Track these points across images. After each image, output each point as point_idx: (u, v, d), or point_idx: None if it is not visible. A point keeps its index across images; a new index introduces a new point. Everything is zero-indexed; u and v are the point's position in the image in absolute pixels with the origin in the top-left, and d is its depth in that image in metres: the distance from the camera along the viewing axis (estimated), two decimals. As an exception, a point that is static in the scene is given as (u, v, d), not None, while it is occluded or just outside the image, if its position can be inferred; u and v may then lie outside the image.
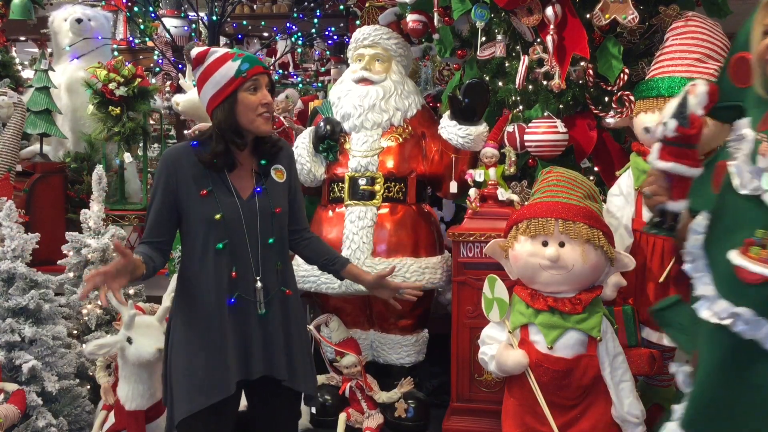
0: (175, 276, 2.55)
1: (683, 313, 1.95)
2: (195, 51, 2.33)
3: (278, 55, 6.26)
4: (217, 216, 2.23)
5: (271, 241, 2.31)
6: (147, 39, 5.35)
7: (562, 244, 2.51)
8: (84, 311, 3.28)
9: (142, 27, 5.20)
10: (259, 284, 2.27)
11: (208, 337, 2.24)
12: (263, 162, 2.35)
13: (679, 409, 1.79)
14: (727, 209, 1.70)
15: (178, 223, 2.30)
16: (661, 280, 2.83)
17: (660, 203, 1.68)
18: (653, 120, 2.84)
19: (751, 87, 1.75)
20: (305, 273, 3.35)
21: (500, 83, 3.38)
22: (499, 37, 3.25)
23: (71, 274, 3.35)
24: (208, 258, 2.25)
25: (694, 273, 1.75)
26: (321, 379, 3.43)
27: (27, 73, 5.27)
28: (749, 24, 1.78)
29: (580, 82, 3.15)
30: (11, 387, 2.72)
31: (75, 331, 3.26)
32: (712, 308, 1.66)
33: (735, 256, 1.58)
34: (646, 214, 2.88)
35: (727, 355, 1.64)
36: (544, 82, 3.14)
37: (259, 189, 2.32)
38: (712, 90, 1.67)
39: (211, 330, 2.24)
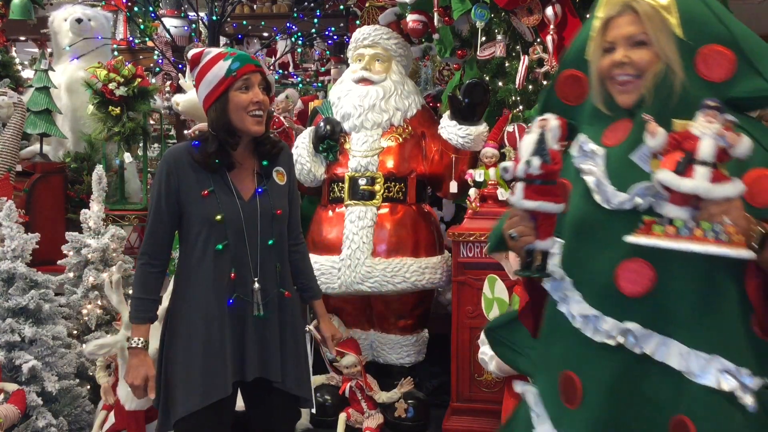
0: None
1: (518, 333, 1.95)
2: (191, 52, 2.34)
3: (278, 55, 6.26)
4: (218, 217, 2.22)
5: (271, 242, 2.30)
6: (147, 39, 5.35)
7: (562, 244, 2.50)
8: (84, 311, 3.28)
9: (142, 27, 5.21)
10: (257, 285, 2.26)
11: (206, 338, 2.23)
12: (265, 163, 2.33)
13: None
14: (594, 224, 1.66)
15: (178, 223, 2.29)
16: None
17: (528, 243, 1.62)
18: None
19: (583, 104, 1.77)
20: (305, 273, 3.35)
21: (500, 83, 3.38)
22: (499, 37, 3.25)
23: (71, 274, 3.34)
24: (207, 258, 2.24)
25: (561, 293, 1.71)
26: (321, 379, 3.43)
27: (27, 73, 5.27)
28: (578, 42, 1.80)
29: (580, 82, 3.15)
30: (11, 387, 2.72)
31: (75, 331, 3.26)
32: (600, 327, 1.63)
33: (638, 238, 1.51)
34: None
35: (620, 372, 1.61)
36: (544, 82, 3.14)
37: (260, 190, 2.30)
38: (563, 123, 1.65)
39: (210, 331, 2.23)
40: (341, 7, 5.98)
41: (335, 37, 5.80)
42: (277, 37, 5.54)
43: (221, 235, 2.23)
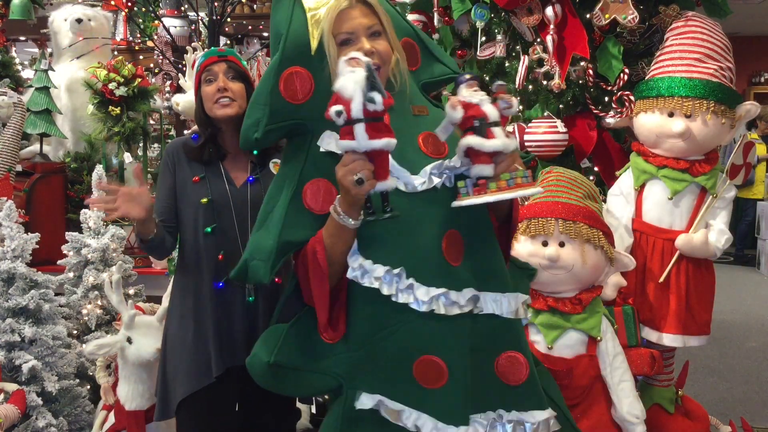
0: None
1: (293, 350, 1.82)
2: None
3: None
4: (204, 200, 2.32)
5: None
6: (147, 39, 5.35)
7: (562, 244, 2.51)
8: (84, 311, 3.28)
9: (142, 27, 5.21)
10: None
11: (196, 321, 2.31)
12: (255, 152, 2.39)
13: (426, 418, 1.74)
14: (405, 210, 1.68)
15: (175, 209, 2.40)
16: (661, 280, 2.83)
17: (372, 187, 1.58)
18: (654, 120, 2.85)
19: (311, 99, 1.78)
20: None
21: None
22: (499, 37, 3.25)
23: (71, 274, 3.35)
24: (198, 242, 2.34)
25: (400, 284, 1.70)
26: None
27: (27, 73, 5.27)
28: (290, 40, 1.79)
29: (580, 82, 3.15)
30: (11, 387, 2.72)
31: (75, 331, 3.26)
32: (447, 301, 1.71)
33: (480, 197, 1.66)
34: (647, 215, 2.89)
35: (468, 337, 1.76)
36: (544, 82, 3.13)
37: (252, 179, 2.39)
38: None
39: (199, 313, 2.32)
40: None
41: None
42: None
43: (210, 218, 2.33)
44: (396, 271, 1.71)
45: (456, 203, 1.71)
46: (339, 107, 1.55)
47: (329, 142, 1.77)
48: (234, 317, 2.32)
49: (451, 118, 1.66)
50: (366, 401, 1.77)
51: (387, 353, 1.76)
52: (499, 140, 1.63)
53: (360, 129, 1.55)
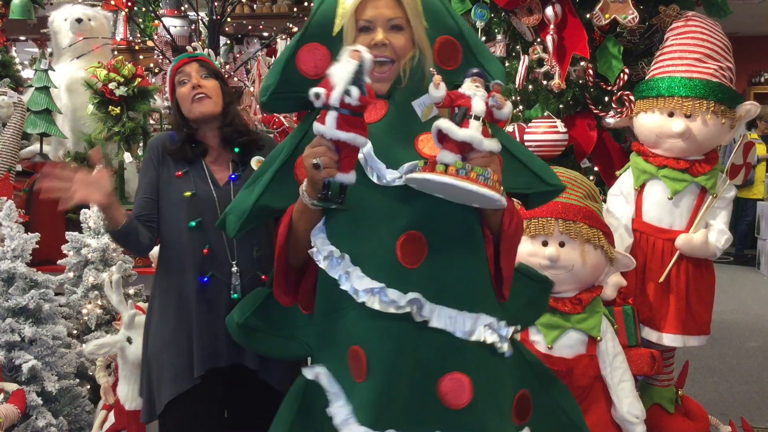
0: None
1: (270, 314, 1.91)
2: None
3: (278, 55, 6.26)
4: (187, 193, 2.30)
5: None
6: (146, 38, 5.35)
7: (562, 244, 2.51)
8: (84, 311, 3.28)
9: (142, 27, 5.21)
10: (235, 268, 2.28)
11: (177, 318, 2.28)
12: (237, 150, 2.38)
13: (345, 409, 1.76)
14: (368, 199, 1.70)
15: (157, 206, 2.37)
16: (661, 279, 2.83)
17: (330, 175, 1.60)
18: (654, 120, 2.85)
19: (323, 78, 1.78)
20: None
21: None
22: (499, 36, 3.25)
23: (71, 274, 3.34)
24: (182, 237, 2.30)
25: (342, 270, 1.72)
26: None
27: (27, 73, 5.27)
28: (318, 16, 1.83)
29: (580, 81, 3.15)
30: (11, 387, 2.72)
31: (75, 331, 3.26)
32: (385, 298, 1.68)
33: (423, 174, 1.60)
34: (647, 214, 2.89)
35: (401, 342, 1.70)
36: (544, 82, 3.14)
37: (234, 176, 2.35)
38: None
39: (180, 310, 2.28)
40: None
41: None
42: (277, 37, 5.53)
43: (193, 212, 2.30)
44: (338, 255, 1.72)
45: (414, 174, 1.64)
46: (320, 90, 1.57)
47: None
48: (218, 316, 2.23)
49: (431, 95, 1.64)
50: (310, 372, 1.84)
51: (332, 335, 1.80)
52: (469, 131, 1.59)
53: (331, 117, 1.57)
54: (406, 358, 1.71)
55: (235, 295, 2.27)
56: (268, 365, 2.29)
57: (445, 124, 1.60)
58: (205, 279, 2.27)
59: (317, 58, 1.81)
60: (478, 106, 1.61)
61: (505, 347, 1.77)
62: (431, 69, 1.72)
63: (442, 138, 1.62)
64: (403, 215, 1.70)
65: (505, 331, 1.79)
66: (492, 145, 1.60)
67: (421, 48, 1.78)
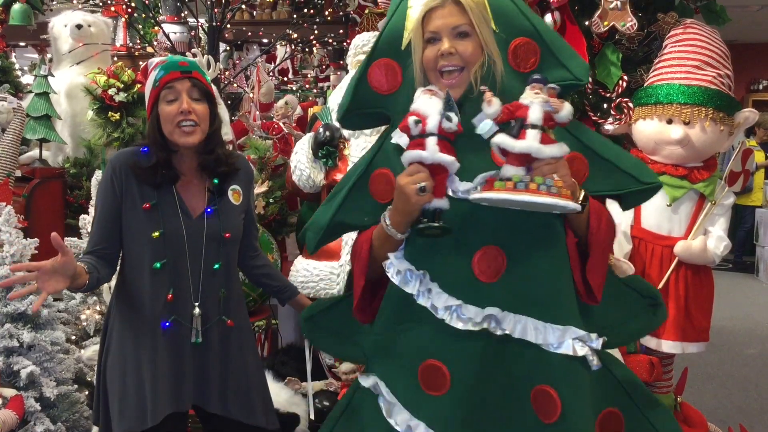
0: None
1: (337, 317, 1.99)
2: (148, 62, 2.23)
3: (278, 62, 6.28)
4: (155, 234, 2.08)
5: (216, 266, 2.15)
6: (146, 44, 5.36)
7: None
8: (82, 317, 3.27)
9: (142, 33, 5.22)
10: (197, 311, 2.13)
11: (135, 363, 2.11)
12: (216, 181, 2.19)
13: (416, 421, 1.76)
14: (444, 217, 1.70)
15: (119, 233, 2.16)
16: (660, 286, 2.83)
17: (429, 201, 1.65)
18: (652, 127, 2.85)
19: (395, 94, 1.81)
20: (304, 279, 3.34)
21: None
22: (499, 43, 3.26)
23: (70, 280, 3.34)
24: (144, 276, 2.11)
25: (423, 287, 1.73)
26: (320, 385, 3.43)
27: (26, 79, 5.27)
28: (389, 32, 1.83)
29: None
30: (9, 392, 2.71)
31: (73, 337, 3.26)
32: (463, 315, 1.69)
33: (482, 194, 1.62)
34: (645, 221, 2.89)
35: (484, 355, 1.71)
36: (543, 89, 3.14)
37: (209, 210, 2.16)
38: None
39: (139, 355, 2.10)
40: (341, 13, 5.99)
41: (334, 43, 5.82)
42: (276, 44, 5.55)
43: (160, 252, 2.09)
44: (419, 272, 1.73)
45: (474, 195, 1.65)
46: (417, 118, 1.63)
47: (400, 136, 1.76)
48: (180, 359, 2.11)
49: (485, 113, 1.66)
50: (368, 380, 1.85)
51: (400, 347, 1.80)
52: (525, 142, 1.59)
53: (432, 141, 1.63)
54: (491, 372, 1.71)
55: (197, 341, 2.13)
56: (233, 406, 2.19)
57: (500, 138, 1.62)
58: (167, 324, 2.10)
59: (388, 73, 1.82)
60: (533, 114, 1.60)
61: (595, 361, 1.74)
62: (482, 87, 1.69)
63: (504, 153, 1.63)
64: (478, 230, 1.70)
65: (595, 343, 1.74)
66: (554, 150, 1.60)
67: (491, 54, 1.74)
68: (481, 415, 1.73)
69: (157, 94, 2.10)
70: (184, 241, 2.11)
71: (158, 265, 2.09)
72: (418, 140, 1.65)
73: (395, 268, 1.75)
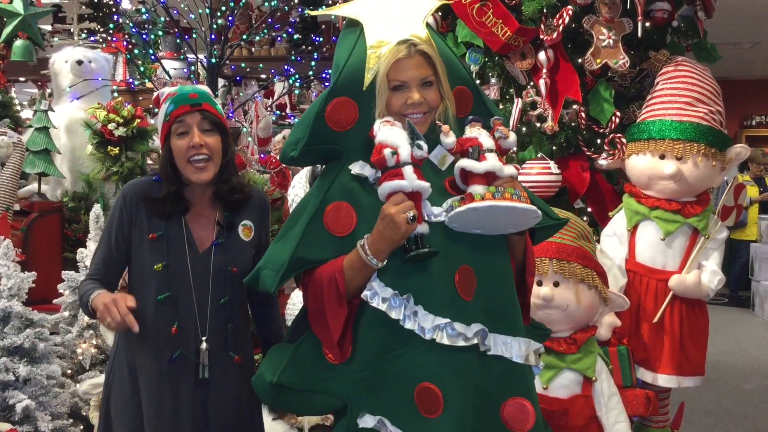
0: None
1: (300, 370, 1.85)
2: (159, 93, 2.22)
3: (276, 97, 6.33)
4: (157, 266, 2.06)
5: (222, 301, 2.12)
6: (146, 80, 5.42)
7: (556, 284, 2.53)
8: (78, 350, 3.26)
9: (141, 69, 5.28)
10: (204, 345, 2.08)
11: (132, 397, 2.09)
12: (226, 213, 2.15)
13: None
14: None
15: (127, 263, 2.15)
16: (655, 320, 2.84)
17: (415, 228, 1.72)
18: (645, 162, 2.89)
19: (351, 130, 1.87)
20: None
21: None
22: (493, 80, 3.31)
23: (66, 313, 3.34)
24: (147, 308, 2.06)
25: (408, 311, 1.76)
26: (315, 419, 3.41)
27: (25, 113, 5.31)
28: (348, 71, 1.88)
29: (573, 124, 3.20)
30: (4, 427, 2.70)
31: (69, 371, 3.25)
32: (452, 332, 1.74)
33: (465, 206, 1.71)
34: (640, 255, 2.91)
35: (471, 373, 1.77)
36: (538, 124, 3.19)
37: (217, 242, 2.12)
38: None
39: (145, 387, 2.08)
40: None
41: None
42: (274, 79, 5.61)
43: (163, 285, 2.07)
44: (404, 296, 1.76)
45: (459, 209, 1.73)
46: (392, 150, 1.71)
47: (363, 165, 1.84)
48: (180, 393, 2.08)
49: (443, 143, 1.80)
50: (369, 420, 1.81)
51: (391, 377, 1.80)
52: (489, 162, 1.73)
53: (409, 170, 1.72)
54: (474, 388, 1.78)
55: (204, 375, 2.08)
56: None
57: (465, 162, 1.75)
58: (173, 358, 2.06)
59: (346, 111, 1.87)
60: (487, 141, 1.77)
61: (541, 366, 1.93)
62: (437, 122, 1.82)
63: (466, 175, 1.76)
64: (455, 251, 1.78)
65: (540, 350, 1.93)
66: (512, 170, 1.76)
67: (448, 99, 1.88)
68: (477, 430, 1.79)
69: (168, 128, 2.09)
70: (189, 275, 2.09)
71: (160, 298, 2.07)
72: (394, 170, 1.72)
73: (380, 296, 1.76)
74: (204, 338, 2.09)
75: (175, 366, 2.08)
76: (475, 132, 1.79)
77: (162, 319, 2.08)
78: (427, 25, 1.91)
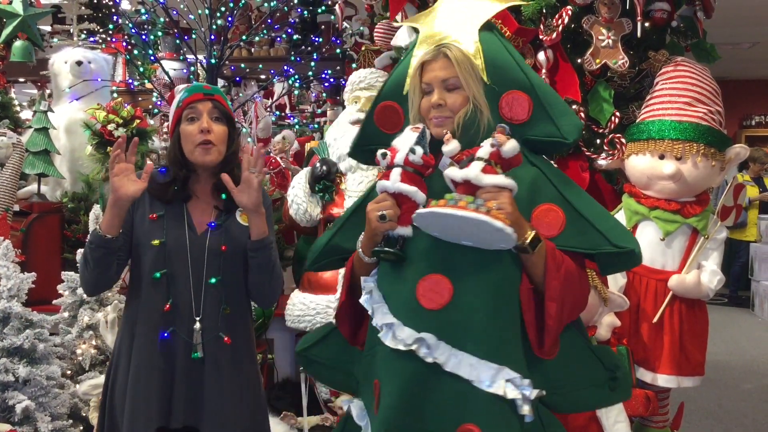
0: None
1: (331, 348, 2.08)
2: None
3: (275, 97, 6.33)
4: (155, 242, 2.13)
5: (213, 281, 2.16)
6: (146, 81, 5.42)
7: (555, 285, 2.52)
8: (78, 351, 3.27)
9: (141, 69, 5.28)
10: (198, 325, 2.12)
11: (132, 373, 2.13)
12: (224, 196, 2.19)
13: None
14: (412, 246, 1.80)
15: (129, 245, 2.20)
16: (655, 320, 2.84)
17: (392, 228, 1.77)
18: (645, 162, 2.89)
19: (398, 132, 1.91)
20: (300, 312, 3.35)
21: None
22: (493, 80, 3.31)
23: (66, 314, 3.34)
24: (144, 286, 2.15)
25: (372, 304, 1.84)
26: (315, 420, 3.41)
27: (25, 114, 5.31)
28: (395, 77, 1.99)
29: (573, 124, 3.19)
30: (4, 428, 2.70)
31: (69, 371, 3.25)
32: (397, 335, 1.74)
33: (423, 209, 1.71)
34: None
35: (411, 379, 1.75)
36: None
37: (213, 224, 2.19)
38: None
39: (140, 363, 2.13)
40: (338, 50, 6.07)
41: (332, 79, 5.89)
42: (274, 80, 5.61)
43: (160, 262, 2.13)
44: (378, 293, 1.84)
45: (418, 211, 1.74)
46: (386, 151, 1.80)
47: None
48: (174, 374, 2.11)
49: (444, 152, 1.79)
50: (346, 403, 1.98)
51: (368, 369, 1.90)
52: (466, 170, 1.69)
53: (396, 172, 1.77)
54: (417, 399, 1.74)
55: (196, 355, 2.12)
56: (227, 428, 2.16)
57: (448, 170, 1.74)
58: (166, 334, 2.11)
59: (392, 114, 1.98)
60: (482, 150, 1.73)
61: (526, 409, 1.71)
62: (443, 131, 1.81)
63: (454, 184, 1.75)
64: (429, 257, 1.77)
65: (528, 390, 1.72)
66: (495, 180, 1.68)
67: (478, 104, 1.82)
68: None
69: (179, 114, 2.19)
70: (186, 254, 2.15)
71: (158, 275, 2.13)
72: (387, 171, 1.81)
73: (367, 288, 1.87)
74: (198, 318, 2.14)
75: (166, 344, 2.12)
76: (488, 140, 1.75)
77: (155, 296, 2.14)
78: (488, 28, 1.92)
